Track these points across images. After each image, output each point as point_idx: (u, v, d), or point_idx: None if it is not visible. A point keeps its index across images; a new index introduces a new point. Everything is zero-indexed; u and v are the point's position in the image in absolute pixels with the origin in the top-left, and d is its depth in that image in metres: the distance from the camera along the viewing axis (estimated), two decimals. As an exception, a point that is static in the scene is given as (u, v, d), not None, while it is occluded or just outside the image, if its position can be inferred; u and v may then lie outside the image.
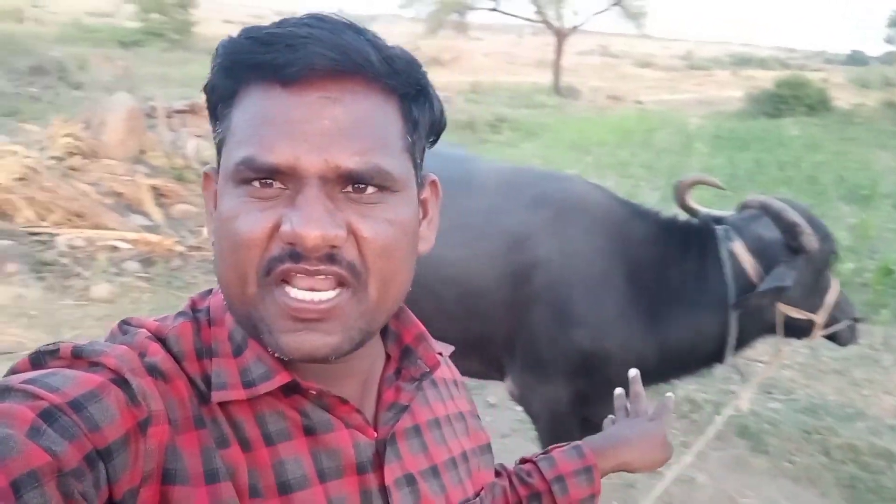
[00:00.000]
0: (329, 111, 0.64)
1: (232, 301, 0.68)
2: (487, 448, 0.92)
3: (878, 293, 6.20)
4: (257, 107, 0.65)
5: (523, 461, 1.08)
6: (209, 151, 8.32)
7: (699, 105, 29.13)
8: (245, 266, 0.64)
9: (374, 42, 0.67)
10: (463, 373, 3.30)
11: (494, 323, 2.53)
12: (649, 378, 2.58)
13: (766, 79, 31.15)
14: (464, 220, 2.57)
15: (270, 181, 0.64)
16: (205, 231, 6.52)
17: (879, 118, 23.94)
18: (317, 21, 0.66)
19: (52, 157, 6.63)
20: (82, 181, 6.61)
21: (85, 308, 4.91)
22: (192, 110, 9.58)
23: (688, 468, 3.75)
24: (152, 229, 6.39)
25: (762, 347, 5.27)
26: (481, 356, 2.65)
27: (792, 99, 23.25)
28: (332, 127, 0.64)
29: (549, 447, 1.09)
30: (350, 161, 0.64)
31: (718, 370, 4.88)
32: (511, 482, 1.03)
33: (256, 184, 0.64)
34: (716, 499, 3.51)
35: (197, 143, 8.30)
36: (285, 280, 0.64)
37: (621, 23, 31.25)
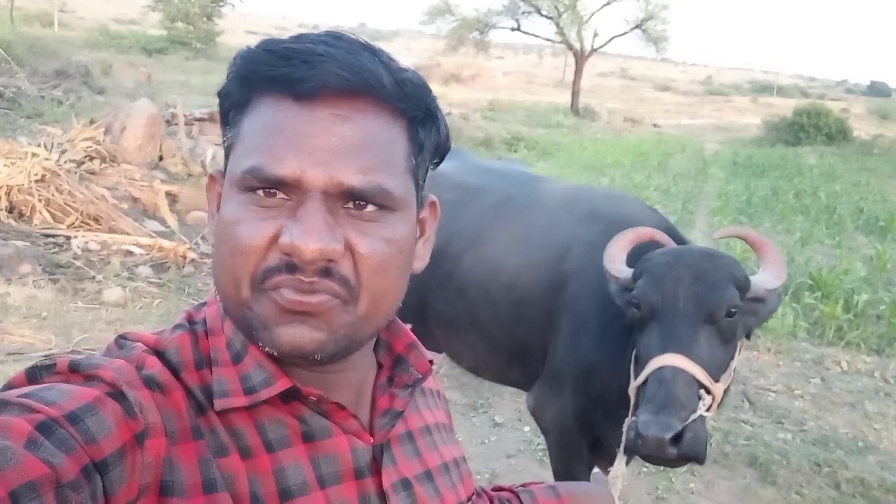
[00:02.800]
0: (338, 128, 0.66)
1: (226, 301, 0.70)
2: (464, 460, 0.94)
3: (893, 326, 6.12)
4: (268, 118, 0.67)
5: (499, 488, 1.09)
6: (226, 160, 8.38)
7: (717, 130, 29.12)
8: (241, 271, 0.66)
9: (388, 65, 0.68)
10: (506, 381, 3.22)
11: (536, 332, 2.59)
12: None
13: (785, 107, 31.09)
14: (526, 231, 2.71)
15: (274, 191, 0.66)
16: (218, 239, 6.55)
17: (899, 149, 23.79)
18: (334, 39, 0.67)
19: (72, 161, 6.69)
20: (100, 185, 6.67)
21: (96, 311, 4.92)
22: (211, 119, 9.68)
23: (696, 496, 3.71)
24: (166, 235, 6.42)
25: (774, 376, 5.26)
26: (523, 366, 2.71)
27: (811, 128, 23.20)
28: (339, 144, 0.65)
29: (527, 482, 1.12)
30: (353, 178, 0.65)
31: (728, 398, 4.86)
32: None
33: (261, 192, 0.66)
34: (722, 529, 3.46)
35: (215, 151, 8.37)
36: (279, 288, 0.66)
37: (642, 46, 31.25)
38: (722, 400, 2.19)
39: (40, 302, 4.86)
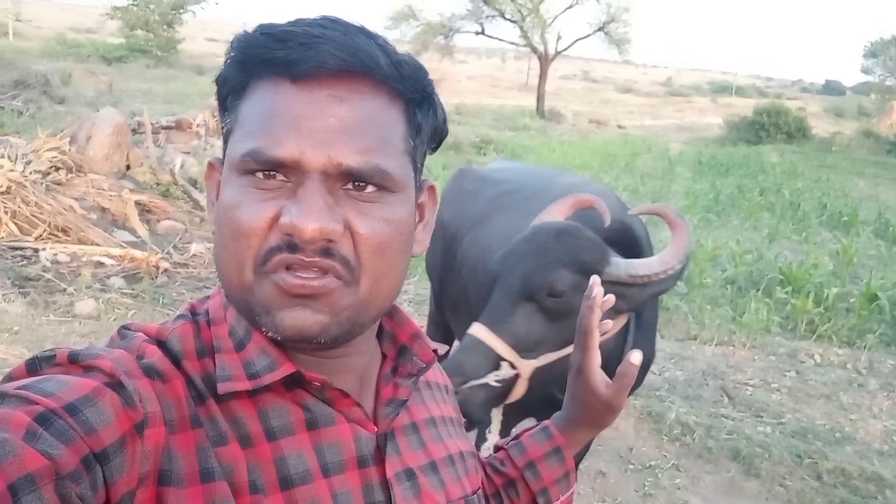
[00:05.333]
0: (335, 109, 0.66)
1: (229, 287, 0.69)
2: (472, 455, 0.94)
3: (863, 318, 6.26)
4: (266, 100, 0.67)
5: (497, 449, 1.08)
6: (195, 168, 8.26)
7: (679, 131, 29.54)
8: (243, 254, 0.66)
9: (384, 47, 0.69)
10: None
11: None
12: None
13: (744, 106, 31.68)
14: (519, 219, 2.71)
15: (274, 173, 0.66)
16: (192, 247, 6.45)
17: (856, 146, 24.46)
18: (330, 22, 0.68)
19: (37, 171, 6.53)
20: (67, 196, 6.52)
21: (69, 324, 4.81)
22: (178, 127, 9.54)
23: (682, 491, 3.74)
24: (137, 245, 6.30)
25: (750, 371, 5.34)
26: None
27: (771, 126, 23.68)
28: (337, 125, 0.66)
29: (521, 431, 1.08)
30: (352, 159, 0.65)
31: (708, 394, 4.93)
32: (486, 473, 1.04)
33: (260, 175, 0.66)
34: (710, 523, 3.50)
35: (183, 159, 8.24)
36: (281, 269, 0.66)
37: (603, 48, 31.58)
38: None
39: (11, 316, 4.73)
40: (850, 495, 3.72)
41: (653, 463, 3.97)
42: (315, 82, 0.66)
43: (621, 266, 2.05)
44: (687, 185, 13.96)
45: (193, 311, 0.76)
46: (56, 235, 6.05)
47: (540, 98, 28.43)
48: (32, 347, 4.40)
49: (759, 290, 6.89)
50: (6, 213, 5.95)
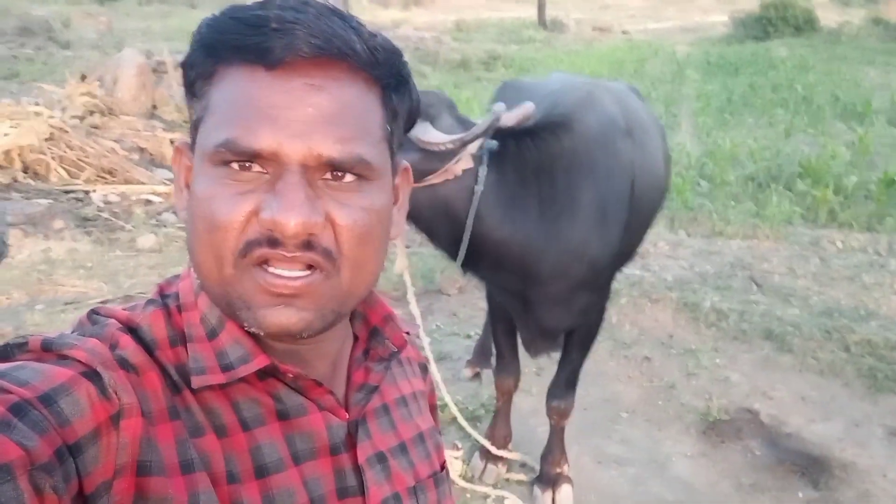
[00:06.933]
0: (313, 98, 0.64)
1: (208, 281, 0.68)
2: (438, 431, 0.95)
3: (881, 203, 6.50)
4: (240, 89, 0.65)
5: None
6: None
7: (685, 32, 28.97)
8: (222, 248, 0.65)
9: (359, 31, 0.67)
10: None
11: None
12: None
13: (749, 2, 30.90)
14: None
15: (250, 164, 0.64)
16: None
17: (865, 35, 24.00)
18: (303, 6, 0.65)
19: (74, 117, 6.74)
20: (106, 138, 6.74)
21: (135, 258, 5.12)
22: (194, 63, 9.63)
23: (723, 369, 4.09)
24: (178, 182, 6.55)
25: (776, 260, 5.63)
26: None
27: (778, 21, 23.22)
28: (315, 115, 0.64)
29: None
30: (332, 150, 0.64)
31: (738, 284, 5.23)
32: None
33: (235, 166, 0.64)
34: (750, 394, 3.84)
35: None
36: (262, 262, 0.65)
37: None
38: None
39: (81, 254, 5.05)
40: (878, 362, 4.05)
41: (693, 347, 4.30)
42: (290, 69, 0.64)
43: (416, 129, 2.22)
44: (697, 86, 13.95)
45: (163, 294, 0.75)
46: (103, 177, 6.32)
47: (541, 8, 27.86)
48: (108, 281, 4.72)
49: (779, 183, 7.11)
50: (53, 158, 6.19)
